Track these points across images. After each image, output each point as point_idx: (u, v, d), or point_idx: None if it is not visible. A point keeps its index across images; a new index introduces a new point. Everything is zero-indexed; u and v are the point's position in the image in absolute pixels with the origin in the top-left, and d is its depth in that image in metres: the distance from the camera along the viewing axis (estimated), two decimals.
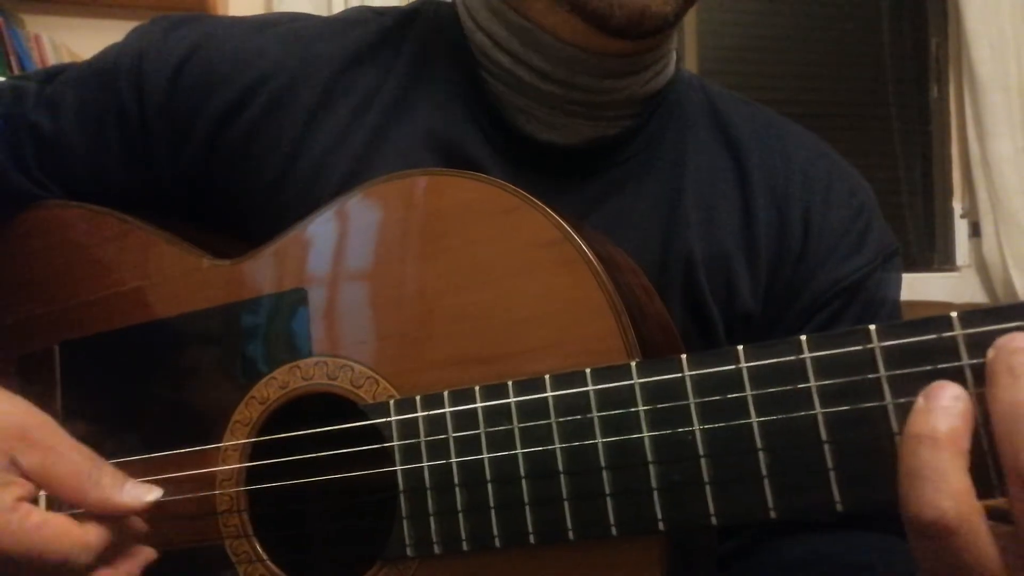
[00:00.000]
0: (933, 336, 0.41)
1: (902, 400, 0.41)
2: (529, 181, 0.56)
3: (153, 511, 0.52)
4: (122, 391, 0.64)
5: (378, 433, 0.52)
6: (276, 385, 0.57)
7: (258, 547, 0.57)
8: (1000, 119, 2.75)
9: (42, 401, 0.58)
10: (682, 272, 0.66)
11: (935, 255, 3.00)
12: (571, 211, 0.54)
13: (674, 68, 0.72)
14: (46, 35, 2.35)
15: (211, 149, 0.67)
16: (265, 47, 0.68)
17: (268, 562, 0.56)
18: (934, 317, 0.41)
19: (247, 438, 0.58)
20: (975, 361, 0.39)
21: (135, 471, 0.59)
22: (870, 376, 0.42)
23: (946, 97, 3.02)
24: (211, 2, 2.38)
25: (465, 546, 0.49)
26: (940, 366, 0.40)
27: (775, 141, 0.73)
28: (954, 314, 0.41)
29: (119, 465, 0.53)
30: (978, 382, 0.39)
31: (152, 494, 0.52)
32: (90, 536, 0.50)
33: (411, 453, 0.51)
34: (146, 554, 0.54)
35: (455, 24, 0.69)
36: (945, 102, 3.02)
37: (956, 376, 0.40)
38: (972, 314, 0.40)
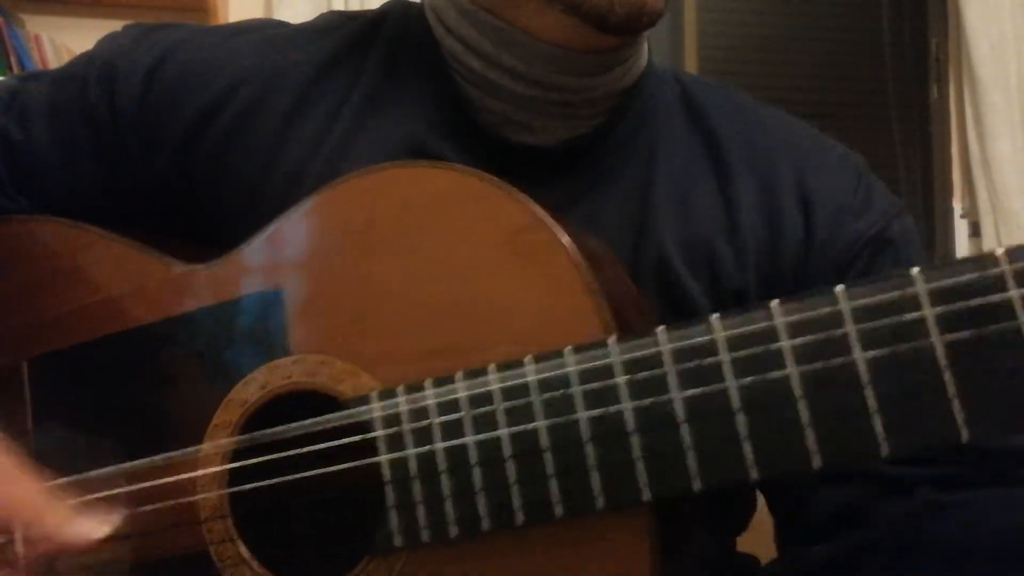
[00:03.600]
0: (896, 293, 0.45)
1: (870, 354, 0.45)
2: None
3: (132, 522, 0.55)
4: (96, 403, 0.67)
5: (362, 427, 0.56)
6: (255, 386, 0.61)
7: (243, 550, 0.60)
8: (1000, 119, 2.83)
9: (11, 419, 0.61)
10: (655, 266, 0.69)
11: (935, 255, 3.05)
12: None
13: (646, 60, 0.75)
14: (46, 35, 2.41)
15: (186, 156, 0.70)
16: (237, 54, 0.72)
17: (254, 564, 0.60)
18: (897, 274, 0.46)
19: (227, 440, 0.61)
20: None
21: (112, 482, 0.63)
22: (837, 332, 0.46)
23: (946, 97, 3.10)
24: (211, 2, 2.44)
25: (453, 531, 0.53)
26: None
27: (753, 121, 0.76)
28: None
29: (94, 477, 0.56)
30: None
31: (100, 530, 0.54)
32: None
33: (395, 443, 0.55)
34: None
35: (424, 27, 0.72)
36: (945, 102, 3.10)
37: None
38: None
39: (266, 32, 0.75)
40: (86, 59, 0.75)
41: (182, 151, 0.70)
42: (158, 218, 0.73)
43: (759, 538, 0.83)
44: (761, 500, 0.79)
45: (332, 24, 0.76)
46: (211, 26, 0.78)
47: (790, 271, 0.70)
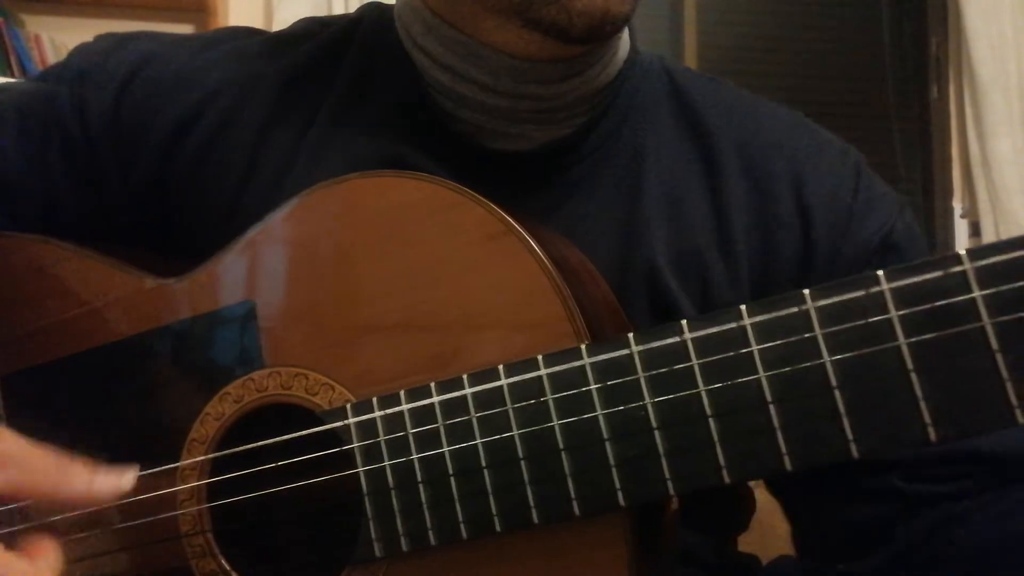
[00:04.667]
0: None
1: (838, 357, 0.46)
2: (482, 192, 0.58)
3: (113, 539, 0.56)
4: (72, 420, 0.68)
5: (338, 440, 0.57)
6: (230, 400, 0.62)
7: (224, 563, 0.61)
8: (1000, 119, 2.85)
9: None
10: (645, 279, 0.68)
11: (935, 255, 3.05)
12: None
13: (627, 53, 0.73)
14: (46, 35, 2.44)
15: (160, 170, 0.71)
16: (210, 65, 0.72)
17: (234, 575, 0.60)
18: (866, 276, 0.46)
19: (204, 456, 0.62)
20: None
21: None
22: (806, 336, 0.47)
23: (946, 97, 3.12)
24: (211, 2, 2.45)
25: (433, 540, 0.54)
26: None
27: (747, 119, 0.73)
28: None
29: None
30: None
31: (125, 479, 0.55)
32: None
33: (372, 454, 0.55)
34: None
35: (394, 40, 0.72)
36: (945, 102, 3.12)
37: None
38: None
39: (237, 43, 0.75)
40: (57, 71, 0.75)
41: (156, 165, 0.71)
42: (132, 232, 0.73)
43: (759, 538, 0.84)
44: (760, 500, 0.80)
45: (306, 32, 0.76)
46: (183, 35, 0.77)
47: (789, 281, 0.69)
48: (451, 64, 0.68)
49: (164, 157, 0.71)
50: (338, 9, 2.52)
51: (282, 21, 2.57)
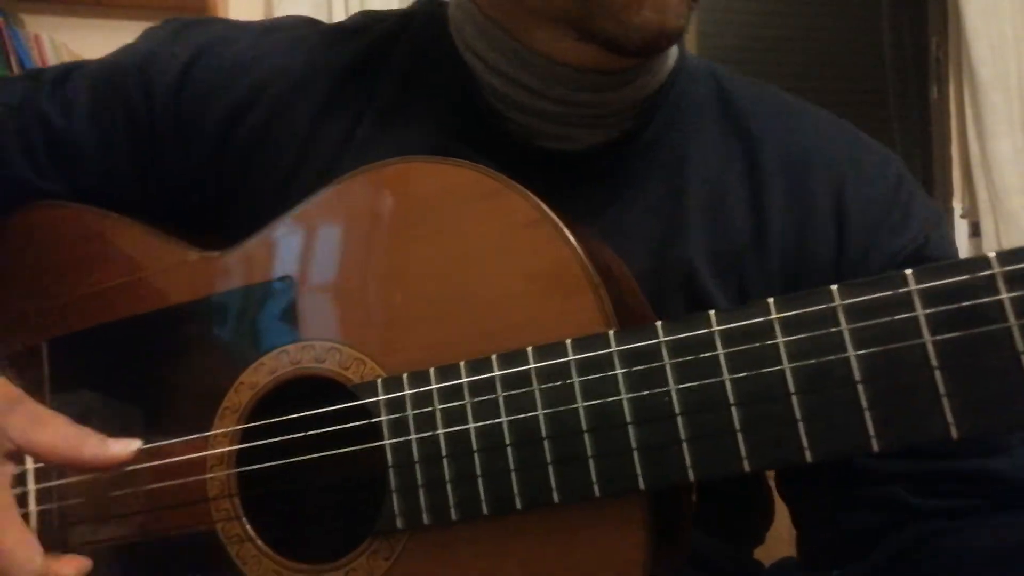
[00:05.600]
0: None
1: (863, 352, 0.46)
2: (529, 190, 0.58)
3: (143, 500, 0.57)
4: (112, 385, 0.68)
5: (366, 414, 0.57)
6: (265, 370, 0.62)
7: (249, 528, 0.61)
8: (1000, 119, 2.82)
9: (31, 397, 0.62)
10: (682, 278, 0.67)
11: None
12: (572, 218, 0.56)
13: (676, 59, 0.72)
14: (46, 35, 2.41)
15: (219, 151, 0.71)
16: (271, 53, 0.72)
17: (258, 542, 0.60)
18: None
19: (236, 424, 0.62)
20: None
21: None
22: (833, 330, 0.46)
23: (946, 97, 3.09)
24: (211, 3, 2.44)
25: (454, 515, 0.54)
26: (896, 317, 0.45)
27: (791, 123, 0.73)
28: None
29: None
30: None
31: (135, 444, 0.59)
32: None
33: (399, 428, 0.55)
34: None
35: (446, 38, 0.71)
36: (945, 102, 3.09)
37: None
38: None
39: (298, 32, 0.75)
40: (127, 53, 0.76)
41: (215, 147, 0.71)
42: (186, 212, 0.73)
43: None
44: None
45: (361, 26, 0.76)
46: (246, 22, 0.78)
47: (818, 284, 0.68)
48: (503, 69, 0.67)
49: (220, 140, 0.71)
50: (338, 9, 2.47)
51: None
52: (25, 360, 0.71)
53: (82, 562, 0.58)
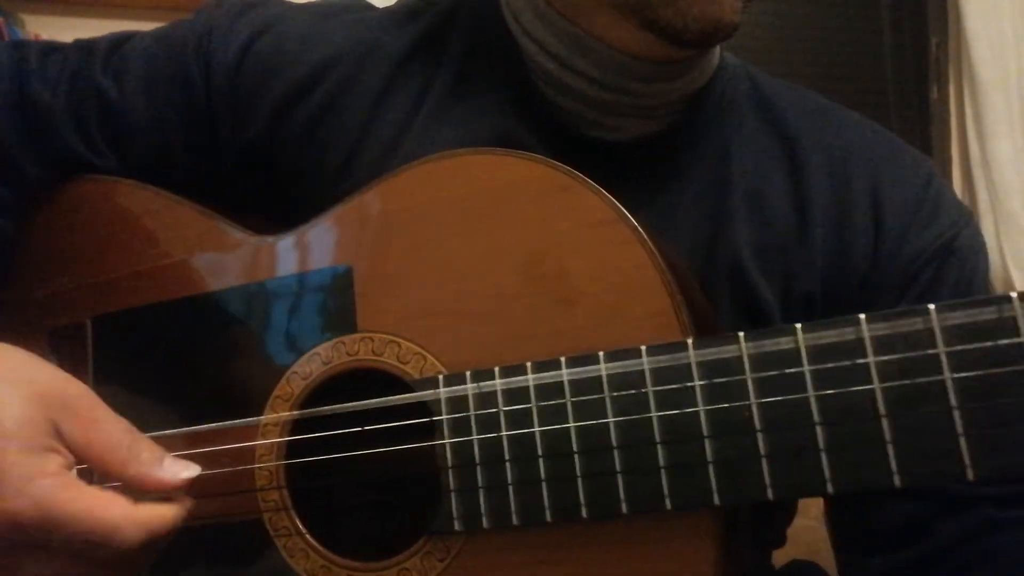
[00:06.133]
0: (994, 314, 0.43)
1: (961, 375, 0.44)
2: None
3: (191, 486, 0.53)
4: (158, 366, 0.65)
5: (424, 409, 0.54)
6: (319, 360, 0.59)
7: (297, 522, 0.58)
8: (1000, 119, 2.80)
9: (73, 374, 0.60)
10: (729, 271, 0.67)
11: None
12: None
13: (719, 58, 0.73)
14: (46, 35, 2.34)
15: (275, 129, 0.69)
16: (332, 33, 0.71)
17: (308, 536, 0.58)
18: (995, 296, 0.44)
19: (288, 413, 0.59)
20: None
21: (172, 444, 0.61)
22: (929, 352, 0.44)
23: (946, 97, 3.07)
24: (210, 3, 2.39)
25: (515, 520, 0.51)
26: (1000, 342, 0.43)
27: (827, 123, 0.73)
28: (1014, 294, 0.43)
29: (156, 438, 0.54)
30: None
31: (189, 470, 0.52)
32: (141, 513, 0.49)
33: (460, 427, 0.53)
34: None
35: (500, 22, 0.71)
36: (945, 102, 3.07)
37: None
38: None
39: (358, 13, 0.74)
40: (185, 26, 0.73)
41: (273, 124, 0.69)
42: (236, 191, 0.71)
43: None
44: None
45: (417, 9, 0.74)
46: (303, 4, 0.76)
47: (856, 281, 0.68)
48: (559, 54, 0.66)
49: (281, 116, 0.69)
50: None
51: None
52: (68, 337, 0.68)
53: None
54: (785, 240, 0.68)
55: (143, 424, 0.62)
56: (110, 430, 0.52)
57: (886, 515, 0.68)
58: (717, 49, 0.72)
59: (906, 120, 3.10)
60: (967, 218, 0.71)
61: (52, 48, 0.74)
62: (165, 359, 0.65)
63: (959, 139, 2.99)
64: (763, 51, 3.02)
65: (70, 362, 0.66)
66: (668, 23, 0.60)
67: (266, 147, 0.69)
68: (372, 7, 0.76)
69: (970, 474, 0.43)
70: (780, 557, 0.81)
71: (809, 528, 0.88)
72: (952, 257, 0.68)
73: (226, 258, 0.64)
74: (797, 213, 0.69)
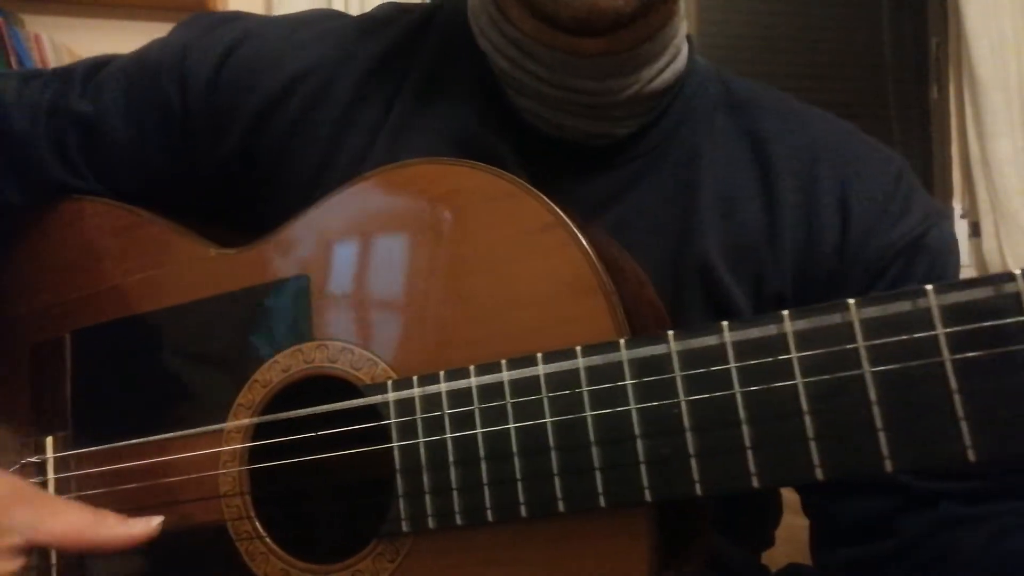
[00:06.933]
0: (909, 307, 0.43)
1: (881, 368, 0.43)
2: (547, 177, 0.58)
3: (156, 494, 0.55)
4: (130, 377, 0.66)
5: (376, 415, 0.54)
6: (279, 368, 0.59)
7: (259, 526, 0.59)
8: (1000, 119, 2.77)
9: (53, 387, 0.61)
10: (699, 273, 0.67)
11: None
12: (588, 207, 0.55)
13: (686, 60, 0.72)
14: (46, 35, 2.37)
15: (251, 142, 0.69)
16: (303, 44, 0.71)
17: (268, 540, 0.58)
18: (909, 289, 0.43)
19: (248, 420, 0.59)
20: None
21: (139, 453, 0.62)
22: (848, 346, 0.44)
23: (946, 97, 3.04)
24: (211, 3, 2.40)
25: (459, 520, 0.52)
26: (916, 335, 0.43)
27: (797, 124, 0.72)
28: (929, 287, 0.43)
29: (127, 448, 0.56)
30: None
31: (155, 520, 0.58)
32: None
33: (407, 431, 0.53)
34: None
35: (468, 27, 0.71)
36: (945, 102, 3.04)
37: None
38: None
39: (329, 24, 0.74)
40: (159, 46, 0.74)
41: (248, 137, 0.69)
42: (219, 207, 0.72)
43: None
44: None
45: (390, 17, 0.75)
46: (276, 17, 0.77)
47: (824, 276, 0.67)
48: (511, 55, 0.66)
49: (256, 130, 0.69)
50: (338, 8, 2.45)
51: None
52: (49, 351, 0.69)
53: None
54: (755, 241, 0.68)
55: (116, 433, 0.63)
56: (67, 511, 0.58)
57: (852, 510, 0.67)
58: (682, 50, 0.71)
59: (906, 120, 3.07)
60: (939, 216, 0.70)
61: (31, 76, 0.75)
62: (137, 371, 0.66)
63: (959, 139, 2.96)
64: (763, 51, 3.01)
65: (50, 375, 0.67)
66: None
67: (242, 160, 0.70)
68: (342, 16, 0.76)
69: (888, 465, 0.43)
70: (780, 557, 0.81)
71: (806, 528, 0.87)
72: (921, 254, 0.67)
73: (192, 271, 0.65)
74: (767, 214, 0.68)
